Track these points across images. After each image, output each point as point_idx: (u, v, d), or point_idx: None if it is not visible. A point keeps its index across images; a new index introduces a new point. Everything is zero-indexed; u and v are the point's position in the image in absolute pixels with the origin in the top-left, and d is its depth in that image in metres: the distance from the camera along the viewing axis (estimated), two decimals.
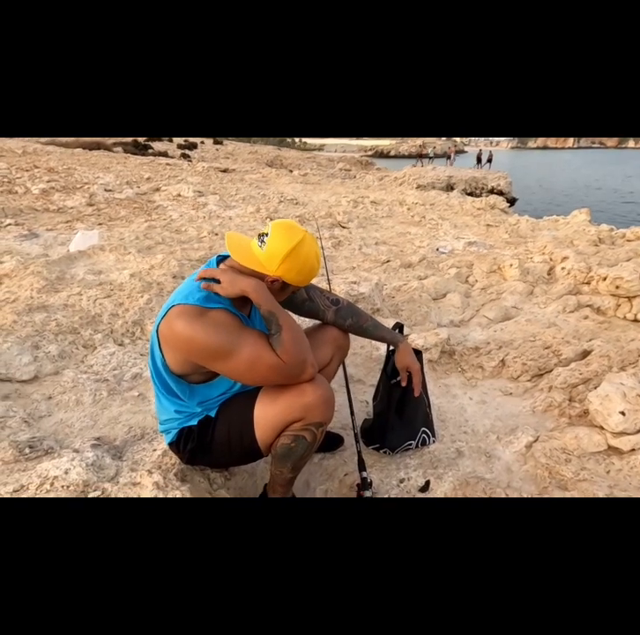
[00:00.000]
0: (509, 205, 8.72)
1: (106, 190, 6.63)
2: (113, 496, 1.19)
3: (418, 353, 1.57)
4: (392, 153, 76.61)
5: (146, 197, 6.69)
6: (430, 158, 30.16)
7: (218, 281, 1.13)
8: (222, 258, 1.24)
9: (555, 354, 2.26)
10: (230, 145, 30.63)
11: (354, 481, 1.46)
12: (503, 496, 1.41)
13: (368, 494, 1.36)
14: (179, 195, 6.87)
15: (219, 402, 1.26)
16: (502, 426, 1.85)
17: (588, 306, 2.98)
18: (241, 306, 1.20)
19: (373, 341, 2.25)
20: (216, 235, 4.70)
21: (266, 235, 1.13)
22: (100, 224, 4.86)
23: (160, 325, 1.14)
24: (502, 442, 1.73)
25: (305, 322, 2.03)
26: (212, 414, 1.25)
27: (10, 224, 4.41)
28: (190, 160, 16.85)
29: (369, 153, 75.82)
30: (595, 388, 1.82)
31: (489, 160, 25.51)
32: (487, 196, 8.96)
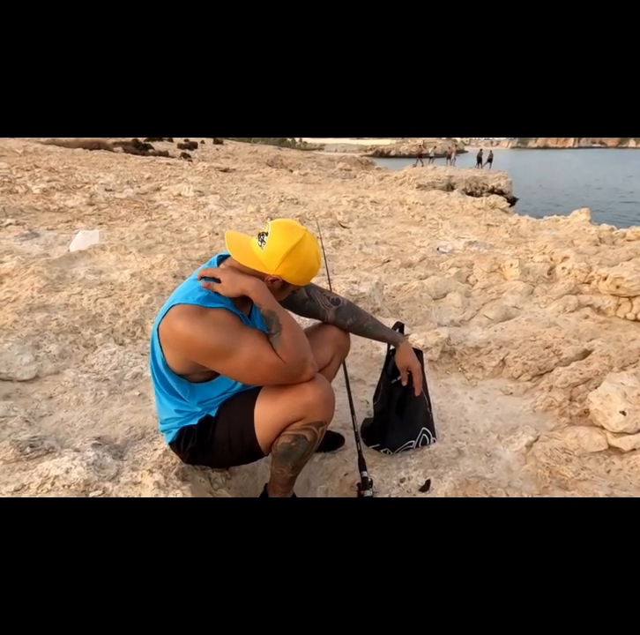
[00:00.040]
0: (509, 204, 8.74)
1: (106, 189, 6.64)
2: (114, 495, 1.20)
3: (418, 352, 1.57)
4: (392, 152, 76.72)
5: (147, 196, 6.69)
6: (430, 158, 30.08)
7: (218, 281, 1.13)
8: (223, 258, 1.24)
9: (556, 354, 2.26)
10: (230, 144, 30.65)
11: (355, 480, 1.46)
12: (504, 495, 1.41)
13: (368, 493, 1.36)
14: (179, 195, 6.88)
15: (220, 402, 1.26)
16: (502, 426, 1.85)
17: (588, 306, 2.98)
18: (241, 306, 1.20)
19: (373, 341, 2.25)
20: (216, 234, 4.70)
21: (266, 234, 1.13)
22: (100, 224, 4.86)
23: (160, 325, 1.14)
24: (502, 441, 1.73)
25: (305, 321, 2.03)
26: (213, 413, 1.25)
27: (10, 224, 4.42)
28: (191, 160, 16.87)
29: (370, 152, 75.85)
30: (596, 388, 1.82)
31: (490, 160, 25.47)
32: (487, 195, 8.97)
